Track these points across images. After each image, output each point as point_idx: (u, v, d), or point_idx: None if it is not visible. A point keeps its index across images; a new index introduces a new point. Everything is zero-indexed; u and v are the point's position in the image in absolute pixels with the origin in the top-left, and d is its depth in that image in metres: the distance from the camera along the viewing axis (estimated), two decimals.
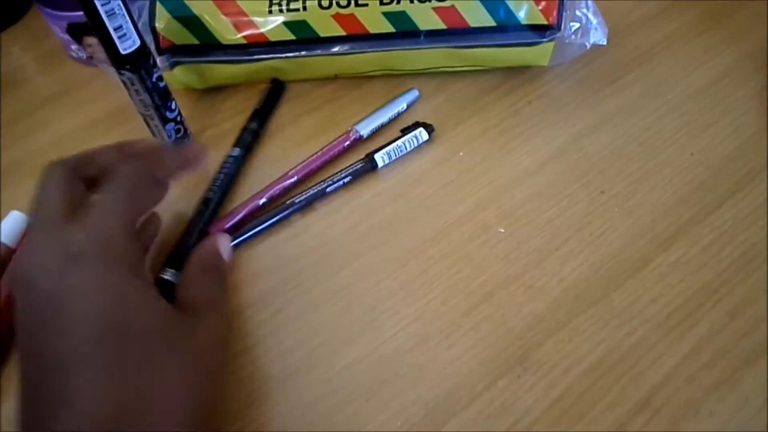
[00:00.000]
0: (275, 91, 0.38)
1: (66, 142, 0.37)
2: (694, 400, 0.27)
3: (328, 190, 0.34)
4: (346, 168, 0.34)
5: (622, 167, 0.35)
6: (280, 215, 0.33)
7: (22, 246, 0.31)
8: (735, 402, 0.27)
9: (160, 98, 0.32)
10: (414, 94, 0.38)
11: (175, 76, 0.37)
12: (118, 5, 0.28)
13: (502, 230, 0.33)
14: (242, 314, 0.30)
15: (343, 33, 0.35)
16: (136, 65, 0.30)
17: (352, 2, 0.34)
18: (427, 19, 0.35)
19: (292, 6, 0.35)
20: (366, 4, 0.34)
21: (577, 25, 0.36)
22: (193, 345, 0.24)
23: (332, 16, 0.35)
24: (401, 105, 0.37)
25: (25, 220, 0.32)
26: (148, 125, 0.34)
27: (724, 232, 0.32)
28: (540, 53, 0.37)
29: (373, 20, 0.35)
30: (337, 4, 0.34)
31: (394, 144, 0.35)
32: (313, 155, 0.35)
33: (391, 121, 0.37)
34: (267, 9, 0.35)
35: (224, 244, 0.30)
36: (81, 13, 0.28)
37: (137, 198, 0.26)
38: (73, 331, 0.22)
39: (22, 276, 0.23)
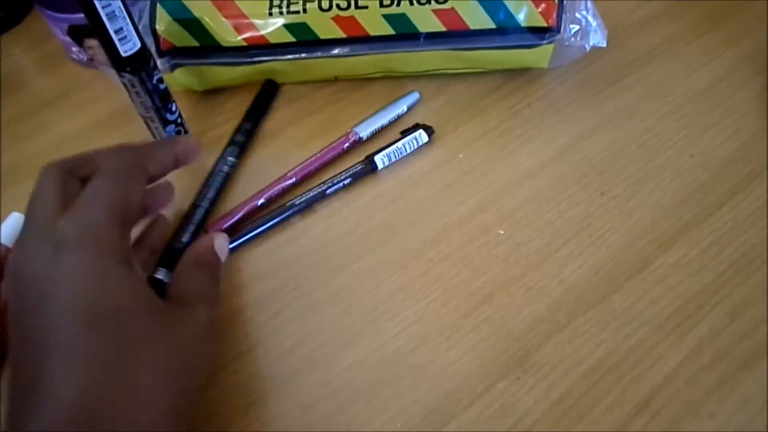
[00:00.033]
0: (267, 91, 0.38)
1: (67, 143, 0.38)
2: (694, 401, 0.27)
3: (328, 192, 0.34)
4: (346, 170, 0.34)
5: (622, 169, 0.35)
6: (280, 217, 0.33)
7: (15, 242, 0.31)
8: (735, 403, 0.27)
9: (161, 100, 0.32)
10: (414, 96, 0.38)
11: (176, 78, 0.37)
12: (119, 7, 0.28)
13: (502, 232, 0.33)
14: (242, 316, 0.31)
15: (343, 35, 0.35)
16: (136, 67, 0.30)
17: (352, 4, 0.34)
18: (426, 21, 0.35)
19: (292, 8, 0.35)
20: (366, 7, 0.34)
21: (577, 27, 0.36)
22: (179, 333, 0.24)
23: (332, 18, 0.35)
24: (401, 107, 0.37)
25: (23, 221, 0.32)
26: (149, 127, 0.34)
27: (724, 234, 0.32)
28: (539, 55, 0.37)
29: (373, 22, 0.35)
30: (337, 6, 0.34)
31: (394, 146, 0.35)
32: (312, 157, 0.35)
33: (391, 123, 0.37)
34: (267, 11, 0.35)
35: (220, 242, 0.30)
36: (82, 15, 0.28)
37: (124, 187, 0.25)
38: (55, 318, 0.21)
39: (11, 267, 0.23)
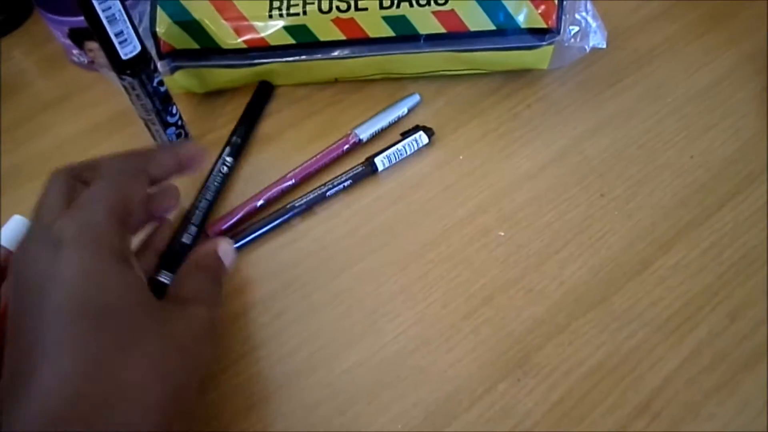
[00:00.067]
0: (262, 92, 0.38)
1: (67, 146, 0.38)
2: (694, 403, 0.27)
3: (328, 193, 0.34)
4: (346, 172, 0.34)
5: (622, 170, 0.35)
6: (281, 219, 0.33)
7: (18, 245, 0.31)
8: (735, 405, 0.27)
9: (161, 103, 0.32)
10: (415, 98, 0.38)
11: (176, 81, 0.37)
12: (119, 10, 0.28)
13: (502, 233, 0.33)
14: (243, 317, 0.31)
15: (343, 37, 0.35)
16: (136, 70, 0.30)
17: (352, 6, 0.35)
18: (426, 23, 0.35)
19: (293, 10, 0.35)
20: (366, 9, 0.35)
21: (577, 28, 0.36)
22: (173, 333, 0.24)
23: (332, 20, 0.35)
24: (402, 109, 0.37)
25: (27, 225, 0.32)
26: (149, 129, 0.34)
27: (724, 235, 0.32)
28: (539, 56, 0.37)
29: (373, 24, 0.35)
30: (337, 8, 0.35)
31: (394, 147, 0.35)
32: (311, 158, 0.35)
33: (391, 124, 0.37)
34: (267, 13, 0.35)
35: (224, 247, 0.29)
36: (82, 18, 0.28)
37: (124, 188, 0.25)
38: (48, 315, 0.22)
39: (12, 267, 0.24)
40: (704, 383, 0.28)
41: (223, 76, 0.37)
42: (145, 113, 0.33)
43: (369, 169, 0.35)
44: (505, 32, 0.35)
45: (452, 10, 0.34)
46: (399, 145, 0.35)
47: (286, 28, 0.35)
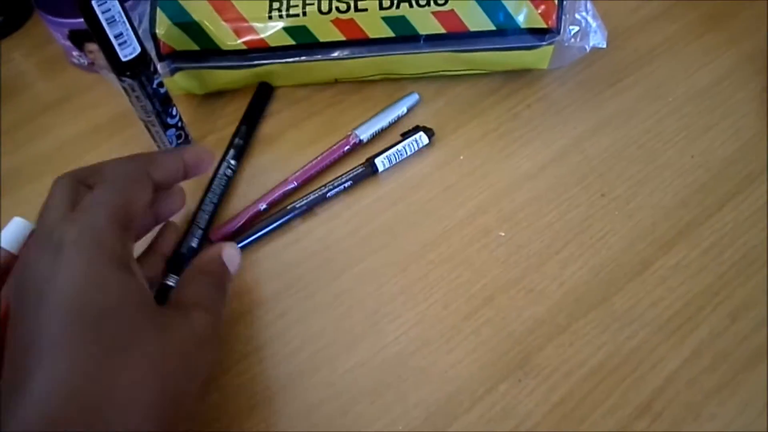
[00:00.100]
0: (262, 93, 0.38)
1: (67, 148, 0.38)
2: (695, 403, 0.27)
3: (328, 194, 0.34)
4: (346, 173, 0.34)
5: (622, 170, 0.35)
6: (281, 220, 0.33)
7: (22, 251, 0.31)
8: (736, 405, 0.27)
9: (161, 104, 0.32)
10: (414, 97, 0.38)
11: (176, 82, 0.37)
12: (119, 12, 0.28)
13: (503, 234, 0.33)
14: (245, 318, 0.31)
15: (342, 38, 0.35)
16: (136, 72, 0.30)
17: (352, 7, 0.34)
18: (426, 23, 0.35)
19: (292, 11, 0.35)
20: (365, 9, 0.34)
21: (577, 28, 0.36)
22: (172, 338, 0.24)
23: (332, 21, 0.35)
24: (401, 109, 0.37)
25: (28, 227, 0.32)
26: (150, 131, 0.34)
27: (725, 235, 0.32)
28: (539, 56, 0.37)
29: (373, 25, 0.35)
30: (337, 9, 0.35)
31: (394, 148, 0.35)
32: (312, 160, 0.35)
33: (391, 125, 0.37)
34: (267, 14, 0.35)
35: (230, 252, 0.29)
36: (82, 19, 0.28)
37: (126, 193, 0.25)
38: (46, 318, 0.22)
39: (15, 275, 0.24)
40: (705, 383, 0.28)
41: (222, 77, 0.37)
42: (145, 115, 0.33)
43: (369, 170, 0.35)
44: (505, 32, 0.35)
45: (452, 10, 0.34)
46: (399, 146, 0.35)
47: (285, 29, 0.35)
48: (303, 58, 0.36)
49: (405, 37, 0.35)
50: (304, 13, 0.35)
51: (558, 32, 0.35)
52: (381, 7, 0.34)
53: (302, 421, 0.28)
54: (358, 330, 0.30)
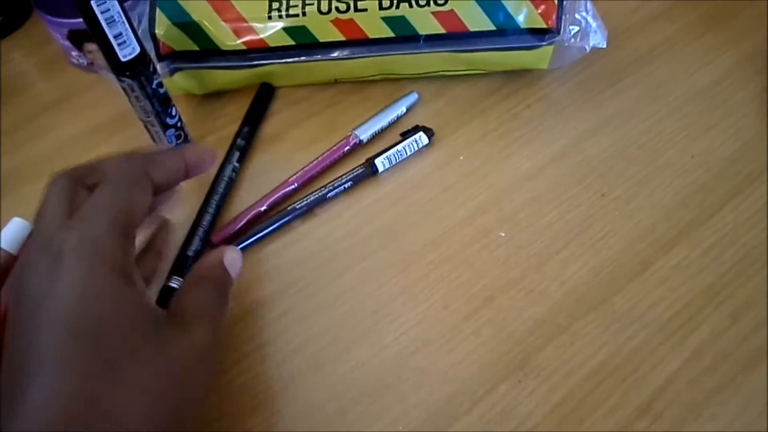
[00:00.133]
0: (263, 94, 0.38)
1: (67, 148, 0.38)
2: (695, 403, 0.27)
3: (328, 195, 0.34)
4: (346, 173, 0.34)
5: (623, 170, 0.35)
6: (282, 221, 0.33)
7: (21, 253, 0.31)
8: (737, 406, 0.27)
9: (161, 104, 0.32)
10: (413, 97, 0.38)
11: (175, 82, 0.37)
12: (118, 12, 0.28)
13: (503, 234, 0.33)
14: (245, 318, 0.31)
15: (342, 38, 0.35)
16: (136, 72, 0.30)
17: (352, 7, 0.34)
18: (426, 23, 0.35)
19: (292, 11, 0.35)
20: (365, 9, 0.34)
21: (577, 28, 0.36)
22: (170, 355, 0.23)
23: (331, 21, 0.35)
24: (401, 108, 0.37)
25: (27, 227, 0.32)
26: (149, 131, 0.34)
27: (725, 235, 0.32)
28: (539, 57, 0.37)
29: (373, 25, 0.35)
30: (337, 9, 0.34)
31: (394, 149, 0.35)
32: (313, 161, 0.35)
33: (391, 125, 0.37)
34: (266, 15, 0.35)
35: (231, 256, 0.28)
36: (81, 20, 0.28)
37: (127, 198, 0.25)
38: (43, 327, 0.21)
39: (13, 278, 0.23)
40: (706, 384, 0.28)
41: (222, 77, 0.37)
42: (144, 115, 0.33)
43: (369, 171, 0.35)
44: (505, 32, 0.35)
45: (452, 10, 0.34)
46: (399, 146, 0.35)
47: (285, 29, 0.35)
48: (303, 58, 0.36)
49: (405, 37, 0.35)
50: (304, 13, 0.35)
51: (558, 32, 0.35)
52: (381, 7, 0.34)
53: (304, 422, 0.28)
54: (359, 330, 0.30)
